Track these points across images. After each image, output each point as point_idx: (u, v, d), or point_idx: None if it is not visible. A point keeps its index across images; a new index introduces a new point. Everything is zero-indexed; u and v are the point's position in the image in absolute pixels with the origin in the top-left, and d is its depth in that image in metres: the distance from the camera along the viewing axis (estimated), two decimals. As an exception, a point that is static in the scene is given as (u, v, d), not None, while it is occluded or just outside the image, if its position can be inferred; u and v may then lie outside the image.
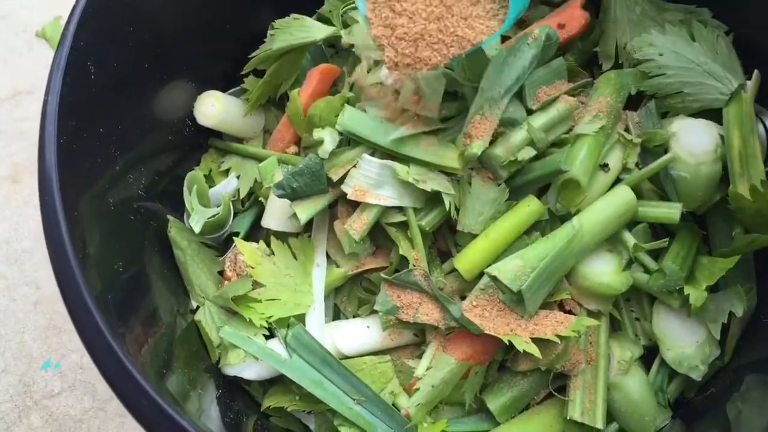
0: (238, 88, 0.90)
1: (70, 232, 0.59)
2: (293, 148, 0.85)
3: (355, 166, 0.73)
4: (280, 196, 0.74)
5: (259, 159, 0.85)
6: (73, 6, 0.66)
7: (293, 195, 0.74)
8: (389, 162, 0.72)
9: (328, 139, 0.73)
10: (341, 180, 0.74)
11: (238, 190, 0.85)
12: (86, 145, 0.66)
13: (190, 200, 0.80)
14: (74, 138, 0.64)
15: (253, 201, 0.85)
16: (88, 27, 0.66)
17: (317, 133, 0.74)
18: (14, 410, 0.95)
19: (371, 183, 0.72)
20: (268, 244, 0.80)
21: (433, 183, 0.71)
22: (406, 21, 0.60)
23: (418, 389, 0.73)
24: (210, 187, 0.86)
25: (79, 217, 0.62)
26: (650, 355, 0.78)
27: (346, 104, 0.75)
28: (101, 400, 0.96)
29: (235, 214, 0.86)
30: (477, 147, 0.70)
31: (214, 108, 0.85)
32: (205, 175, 0.87)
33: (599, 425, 0.71)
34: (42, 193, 0.60)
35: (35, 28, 1.16)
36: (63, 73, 0.63)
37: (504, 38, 0.83)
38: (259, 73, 0.88)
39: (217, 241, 0.84)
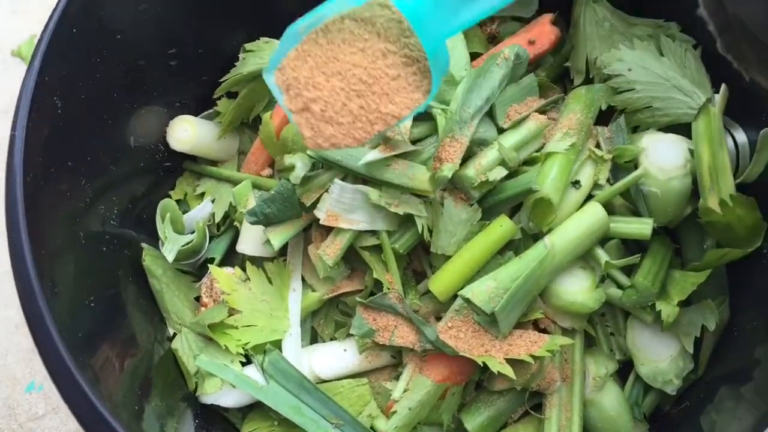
0: (211, 110, 0.89)
1: (38, 272, 0.59)
2: (267, 171, 0.85)
3: (327, 191, 0.73)
4: (253, 223, 0.74)
5: (234, 182, 0.85)
6: (38, 40, 0.66)
7: (266, 221, 0.74)
8: (361, 186, 0.72)
9: (299, 164, 0.73)
10: (314, 204, 0.74)
11: (213, 215, 0.85)
12: (54, 180, 0.66)
13: (163, 229, 0.80)
14: (42, 174, 0.63)
15: (228, 225, 0.85)
16: (54, 60, 0.65)
17: (288, 159, 0.74)
18: (-2, 434, 0.95)
19: (344, 208, 0.73)
20: (244, 269, 0.80)
21: (405, 206, 0.72)
22: (324, 103, 0.58)
23: (395, 411, 0.73)
24: (185, 211, 0.86)
25: (47, 255, 0.62)
26: (626, 369, 0.79)
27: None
28: None
29: (211, 238, 0.86)
30: (447, 170, 0.70)
31: (187, 133, 0.84)
32: (180, 200, 0.87)
33: (576, 442, 0.72)
34: (9, 231, 0.60)
35: (10, 47, 1.16)
36: (28, 110, 0.63)
37: (474, 56, 0.83)
38: (232, 95, 0.88)
39: (194, 267, 0.84)
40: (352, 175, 0.74)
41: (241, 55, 0.87)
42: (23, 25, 1.17)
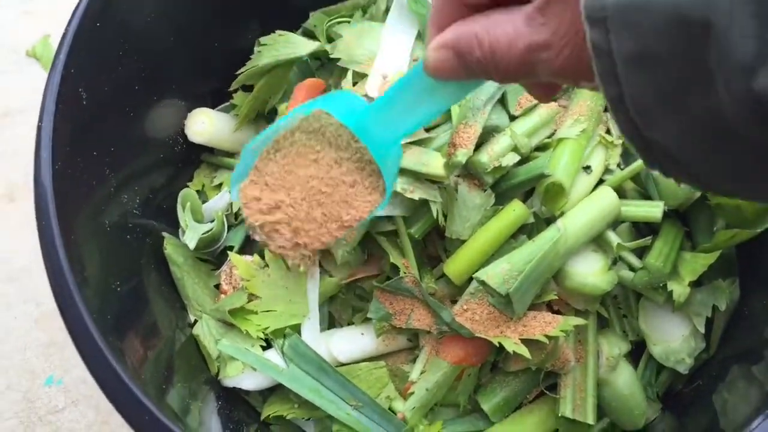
0: (227, 103, 0.91)
1: (68, 256, 0.61)
2: (283, 161, 0.87)
3: (343, 177, 0.75)
4: (271, 211, 0.75)
5: (251, 173, 0.86)
6: (63, 33, 0.68)
7: (284, 208, 0.76)
8: (377, 173, 0.74)
9: (316, 152, 0.75)
10: (331, 192, 0.75)
11: (231, 204, 0.87)
12: (81, 169, 0.68)
13: (184, 217, 0.82)
14: (69, 163, 0.65)
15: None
16: (79, 53, 0.67)
17: (306, 147, 0.75)
18: (20, 426, 0.97)
19: (360, 194, 0.74)
20: (262, 257, 0.82)
21: (420, 192, 0.73)
22: (288, 216, 0.58)
23: (412, 393, 0.74)
24: (203, 202, 0.88)
25: (76, 241, 0.64)
26: (638, 350, 0.80)
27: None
28: (105, 413, 0.97)
29: (230, 228, 0.87)
30: (462, 155, 0.72)
31: (205, 125, 0.86)
32: (198, 191, 0.89)
33: (590, 421, 0.73)
34: (39, 218, 0.62)
35: (25, 47, 1.17)
36: (56, 100, 0.65)
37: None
38: (247, 89, 0.90)
39: (213, 255, 0.86)
40: (368, 163, 0.75)
41: (256, 49, 0.89)
42: (36, 25, 1.19)
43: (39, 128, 0.64)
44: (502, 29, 0.42)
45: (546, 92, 0.52)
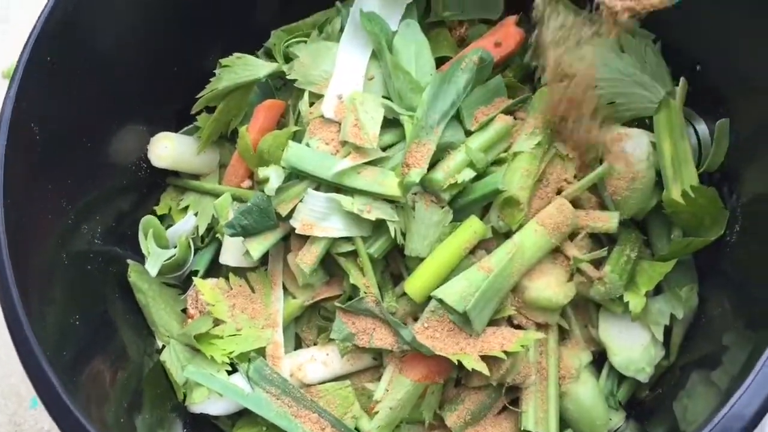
0: (191, 126, 0.91)
1: (22, 298, 0.61)
2: (247, 182, 0.88)
3: (301, 200, 0.75)
4: (231, 235, 0.76)
5: (216, 195, 0.87)
6: (15, 68, 0.68)
7: (244, 232, 0.76)
8: (334, 195, 0.74)
9: (273, 176, 0.76)
10: (290, 214, 0.76)
11: (196, 228, 0.87)
12: (35, 205, 0.68)
13: (146, 245, 0.82)
14: (22, 200, 0.66)
15: (212, 237, 0.88)
16: (30, 87, 0.68)
17: (263, 172, 0.76)
18: (7, 449, 0.98)
19: (318, 216, 0.75)
20: (227, 280, 0.82)
21: (377, 212, 0.74)
22: None
23: (377, 412, 0.75)
24: (170, 225, 0.88)
25: (31, 280, 0.64)
26: (600, 359, 0.81)
27: (290, 141, 0.77)
28: None
29: (196, 251, 0.88)
30: (415, 175, 0.72)
31: (168, 149, 0.87)
32: (164, 214, 0.89)
33: (553, 433, 0.74)
34: (-7, 261, 0.62)
35: (2, 68, 1.17)
36: (6, 138, 0.65)
37: (443, 59, 0.85)
38: (211, 110, 0.90)
39: (179, 280, 0.86)
40: (325, 184, 0.76)
41: (216, 71, 0.89)
42: (13, 45, 1.18)
43: (-10, 167, 0.65)
44: None
45: None
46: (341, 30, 0.86)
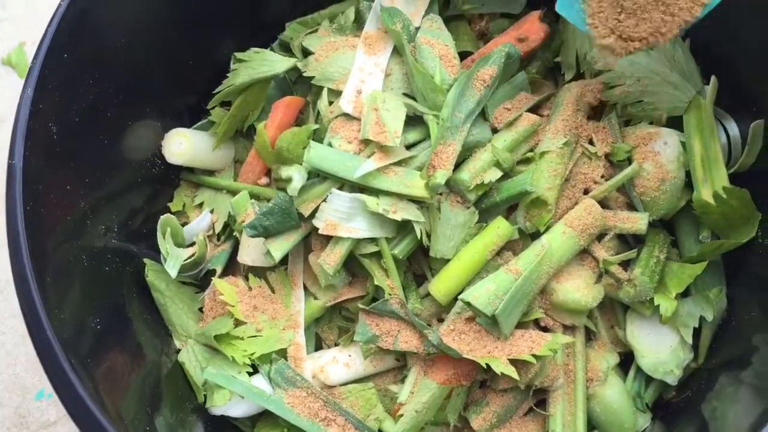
0: (205, 120, 0.90)
1: (43, 298, 0.60)
2: (264, 180, 0.86)
3: (324, 200, 0.74)
4: (253, 236, 0.75)
5: (232, 191, 0.85)
6: (30, 68, 0.66)
7: (266, 233, 0.75)
8: (359, 195, 0.73)
9: (296, 176, 0.74)
10: (312, 214, 0.74)
11: (213, 225, 0.86)
12: (54, 206, 0.66)
13: (165, 245, 0.80)
14: (41, 201, 0.64)
15: (228, 235, 0.86)
16: (47, 88, 0.66)
17: (285, 171, 0.74)
18: (12, 442, 0.97)
19: (342, 216, 0.73)
20: (246, 278, 0.81)
21: (403, 212, 0.72)
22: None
23: (402, 415, 0.74)
24: (185, 223, 0.87)
25: (51, 282, 0.62)
26: (627, 361, 0.80)
27: (311, 140, 0.75)
28: None
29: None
30: (441, 176, 0.71)
31: (183, 146, 0.85)
32: (178, 211, 0.88)
33: (581, 437, 0.73)
34: (13, 260, 0.61)
35: (0, 56, 1.15)
36: (24, 140, 0.63)
37: (464, 55, 0.83)
38: (225, 104, 0.88)
39: (196, 278, 0.85)
40: (349, 184, 0.74)
41: (232, 65, 0.87)
42: (11, 32, 1.17)
43: (10, 167, 0.63)
44: None
45: None
46: (355, 20, 0.84)
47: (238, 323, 0.77)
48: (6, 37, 1.16)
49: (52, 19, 0.67)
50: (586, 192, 0.78)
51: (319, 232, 0.73)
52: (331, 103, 0.79)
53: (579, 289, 0.73)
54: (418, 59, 0.77)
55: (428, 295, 0.77)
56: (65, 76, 0.68)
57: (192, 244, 0.85)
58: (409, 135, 0.76)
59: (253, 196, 0.83)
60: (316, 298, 0.79)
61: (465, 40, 0.87)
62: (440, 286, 0.73)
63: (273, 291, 0.80)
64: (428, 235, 0.74)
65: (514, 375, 0.69)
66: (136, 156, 0.82)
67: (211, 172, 0.90)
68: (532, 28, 0.84)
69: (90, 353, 0.64)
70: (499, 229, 0.73)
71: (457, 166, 0.74)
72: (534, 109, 0.81)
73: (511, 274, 0.71)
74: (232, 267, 0.86)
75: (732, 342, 0.76)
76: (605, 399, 0.75)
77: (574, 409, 0.74)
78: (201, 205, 0.88)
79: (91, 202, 0.72)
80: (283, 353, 0.77)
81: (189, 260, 0.80)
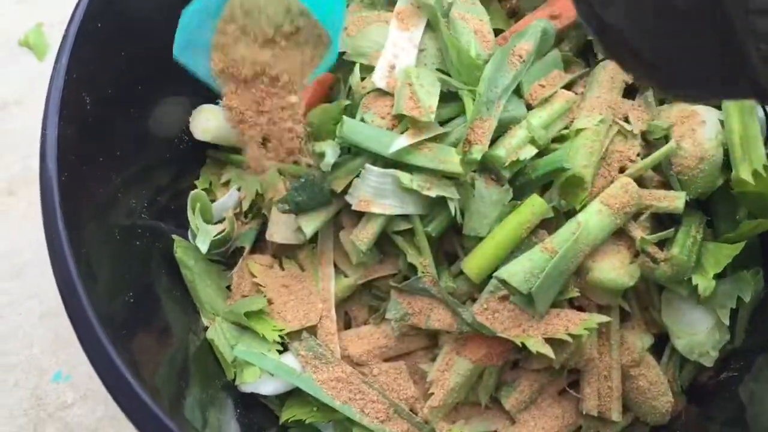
0: (232, 97, 0.89)
1: (79, 270, 0.59)
2: (292, 157, 0.85)
3: (357, 176, 0.73)
4: (284, 212, 0.74)
5: (259, 169, 0.84)
6: (63, 36, 0.65)
7: (298, 209, 0.74)
8: (392, 171, 0.72)
9: (329, 152, 0.73)
10: (344, 191, 0.74)
11: (240, 203, 0.85)
12: (87, 178, 0.66)
13: (195, 221, 0.80)
14: (75, 173, 0.63)
15: (255, 213, 0.85)
16: (81, 57, 0.65)
17: (318, 147, 0.73)
18: (29, 424, 0.96)
19: (375, 193, 0.72)
20: (274, 255, 0.80)
21: (437, 189, 0.71)
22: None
23: (433, 393, 0.73)
24: (211, 200, 0.86)
25: (85, 251, 0.62)
26: (661, 342, 0.79)
27: (344, 115, 0.74)
28: (114, 407, 0.94)
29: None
30: (477, 152, 0.70)
31: (210, 123, 0.84)
32: (205, 189, 0.87)
33: (616, 418, 0.72)
34: (48, 232, 0.60)
35: (17, 37, 1.14)
36: (59, 108, 0.62)
37: (496, 32, 0.82)
38: (252, 81, 0.87)
39: (223, 256, 0.84)
40: (382, 160, 0.73)
41: (261, 41, 0.86)
42: (28, 14, 1.15)
43: (43, 137, 0.62)
44: None
45: None
46: (388, -3, 0.83)
47: (268, 302, 0.77)
48: (22, 18, 1.15)
49: (85, -11, 0.66)
50: (621, 170, 0.76)
51: (353, 208, 0.72)
52: (363, 78, 0.78)
53: (615, 269, 0.72)
54: (452, 34, 0.76)
55: (460, 273, 0.76)
56: (99, 46, 0.67)
57: (219, 222, 0.84)
58: (443, 111, 0.74)
59: (281, 173, 0.82)
60: (346, 276, 0.78)
61: (496, 18, 0.85)
62: (474, 263, 0.72)
63: (302, 269, 0.79)
64: (462, 213, 0.73)
65: (551, 354, 0.68)
66: (165, 132, 0.82)
67: (238, 150, 0.89)
68: (566, 4, 0.82)
69: (124, 325, 0.64)
70: (534, 206, 0.72)
71: (492, 143, 0.73)
72: (568, 87, 0.80)
73: (547, 252, 0.70)
74: (259, 245, 0.85)
75: (769, 323, 0.75)
76: (640, 380, 0.74)
77: (609, 390, 0.73)
78: (228, 183, 0.87)
79: (122, 176, 0.72)
80: (313, 331, 0.77)
81: (218, 237, 0.80)
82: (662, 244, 0.75)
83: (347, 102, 0.79)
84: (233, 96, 0.66)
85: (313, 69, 0.65)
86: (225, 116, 0.67)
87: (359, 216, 0.75)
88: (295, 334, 0.76)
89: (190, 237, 0.82)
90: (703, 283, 0.72)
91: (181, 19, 0.65)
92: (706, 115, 0.74)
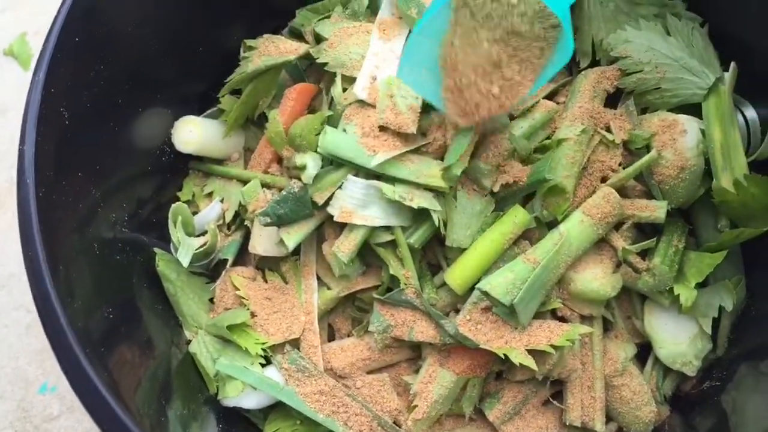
0: (215, 108, 0.88)
1: (57, 287, 0.59)
2: (275, 167, 0.85)
3: (339, 187, 0.73)
4: (266, 225, 0.73)
5: (242, 180, 0.84)
6: (40, 53, 0.65)
7: (279, 221, 0.73)
8: (375, 182, 0.71)
9: (310, 163, 0.73)
10: (327, 202, 0.73)
11: (223, 215, 0.85)
12: (66, 193, 0.65)
13: (176, 234, 0.79)
14: (53, 188, 0.63)
15: (238, 224, 0.85)
16: (58, 72, 0.64)
17: (300, 159, 0.73)
18: (16, 436, 0.96)
19: (357, 204, 0.72)
20: (257, 268, 0.79)
21: (419, 200, 0.71)
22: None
23: (417, 406, 0.73)
24: (194, 212, 0.85)
25: (64, 270, 0.61)
26: (644, 351, 0.79)
27: (326, 125, 0.74)
28: None
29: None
30: (457, 167, 0.70)
31: (193, 134, 0.83)
32: (188, 200, 0.87)
33: (599, 428, 0.72)
34: (25, 248, 0.59)
35: (2, 47, 1.14)
36: (36, 123, 0.62)
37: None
38: (235, 92, 0.87)
39: (206, 268, 0.83)
40: (364, 172, 0.73)
41: (242, 53, 0.86)
42: (12, 22, 1.15)
43: (21, 152, 0.62)
44: None
45: None
46: (369, 6, 0.83)
47: (251, 315, 0.76)
48: (7, 27, 1.15)
49: (63, 2, 0.66)
50: (603, 180, 0.76)
51: (335, 219, 0.72)
52: (344, 89, 0.78)
53: (597, 279, 0.72)
54: (434, 45, 0.76)
55: (443, 285, 0.76)
56: (76, 60, 0.67)
57: (202, 234, 0.84)
58: (423, 122, 0.74)
59: (264, 185, 0.81)
60: (329, 288, 0.78)
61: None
62: (456, 275, 0.72)
63: (285, 281, 0.79)
64: (444, 224, 0.73)
65: (533, 365, 0.68)
66: (146, 144, 0.81)
67: (220, 161, 0.89)
68: (548, 14, 0.82)
69: (102, 342, 0.63)
70: (516, 217, 0.72)
71: (474, 154, 0.73)
72: (550, 97, 0.80)
73: (529, 263, 0.70)
74: (242, 257, 0.85)
75: (752, 332, 0.75)
76: (623, 390, 0.74)
77: (592, 400, 0.73)
78: (211, 194, 0.87)
79: (102, 190, 0.71)
80: (296, 344, 0.76)
81: (200, 250, 0.79)
82: (644, 253, 0.76)
83: (329, 113, 0.78)
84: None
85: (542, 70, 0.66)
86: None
87: (341, 228, 0.74)
88: (278, 347, 0.76)
89: (172, 250, 0.81)
90: (685, 292, 0.72)
91: (407, 42, 0.68)
92: (687, 124, 0.75)
